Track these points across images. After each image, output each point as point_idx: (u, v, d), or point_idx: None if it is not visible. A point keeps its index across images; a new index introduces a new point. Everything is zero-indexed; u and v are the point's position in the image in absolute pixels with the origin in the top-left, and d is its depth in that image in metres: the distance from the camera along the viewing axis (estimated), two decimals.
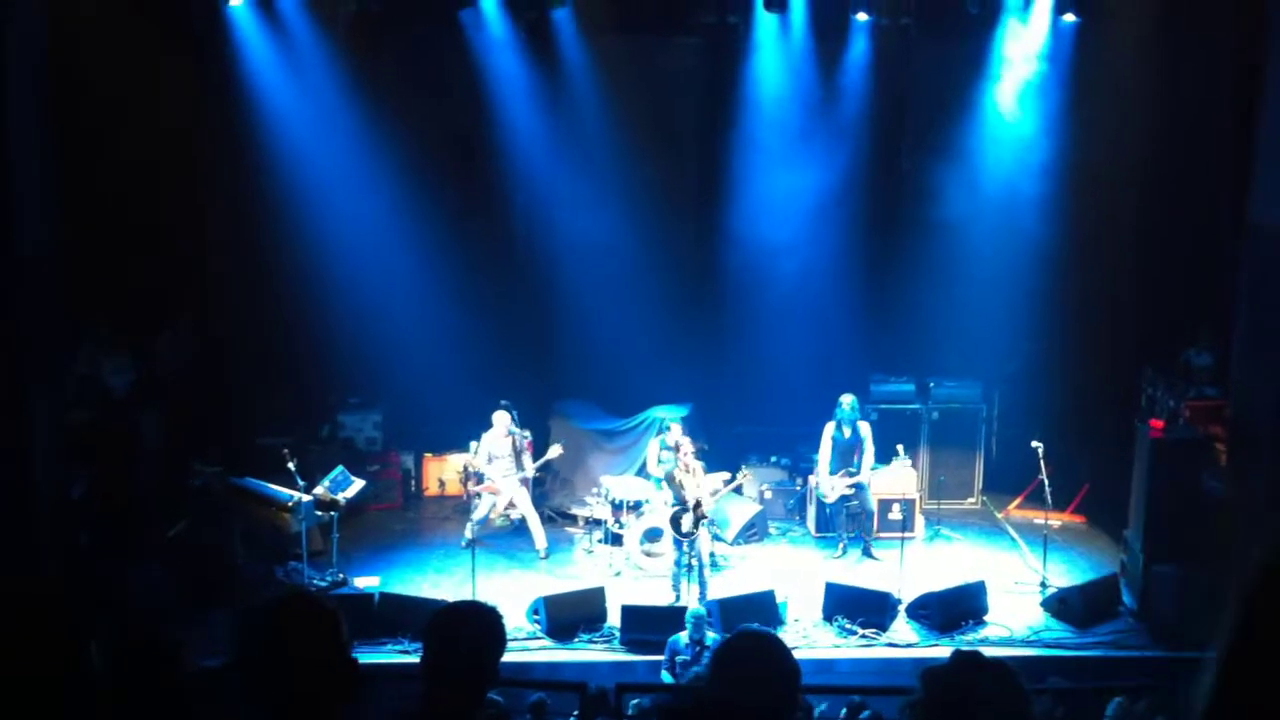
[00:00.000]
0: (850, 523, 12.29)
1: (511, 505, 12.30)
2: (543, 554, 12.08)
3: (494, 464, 12.07)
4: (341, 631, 2.70)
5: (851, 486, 12.01)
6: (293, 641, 2.63)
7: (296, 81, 13.04)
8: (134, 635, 3.30)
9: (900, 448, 12.73)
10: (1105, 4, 12.82)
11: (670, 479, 11.10)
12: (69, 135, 10.35)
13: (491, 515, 12.37)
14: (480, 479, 12.14)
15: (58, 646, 2.31)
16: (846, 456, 12.01)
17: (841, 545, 12.27)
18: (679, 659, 9.18)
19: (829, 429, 12.07)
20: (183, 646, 3.42)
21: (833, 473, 12.06)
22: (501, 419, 12.07)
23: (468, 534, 11.99)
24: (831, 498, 12.16)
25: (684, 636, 9.28)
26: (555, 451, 12.34)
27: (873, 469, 12.22)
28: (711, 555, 11.76)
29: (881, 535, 12.34)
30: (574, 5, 12.97)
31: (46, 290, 9.55)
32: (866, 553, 12.12)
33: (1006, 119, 13.49)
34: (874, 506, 12.35)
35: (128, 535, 10.75)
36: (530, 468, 12.32)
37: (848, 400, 12.00)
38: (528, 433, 13.77)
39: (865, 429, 12.06)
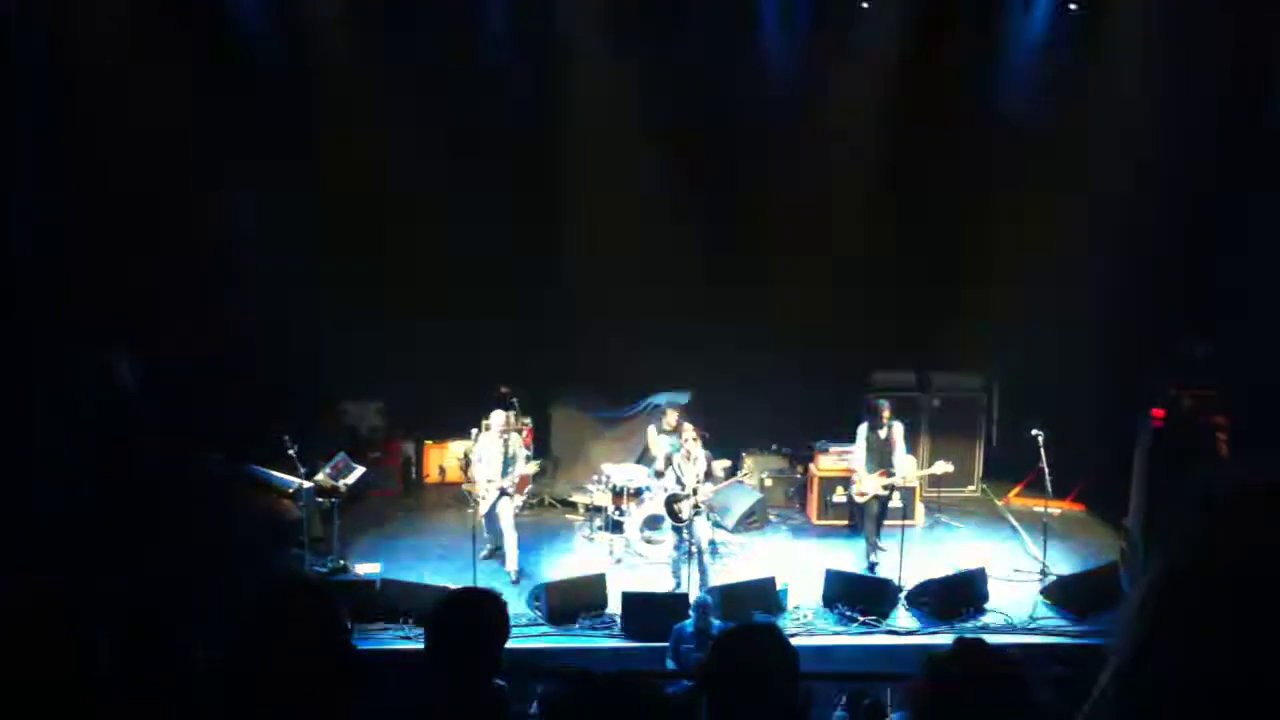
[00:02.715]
0: (867, 520, 11.79)
1: (510, 492, 11.58)
2: (514, 577, 11.17)
3: (482, 464, 11.42)
4: (340, 618, 2.70)
5: (888, 487, 11.67)
6: (292, 629, 2.64)
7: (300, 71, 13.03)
8: (140, 629, 3.32)
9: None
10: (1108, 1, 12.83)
11: (669, 463, 11.09)
12: (71, 132, 10.37)
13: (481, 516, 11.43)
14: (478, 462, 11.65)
15: (63, 643, 2.32)
16: (883, 456, 11.65)
17: (873, 547, 11.65)
18: (684, 647, 9.16)
19: (864, 428, 11.79)
20: (188, 637, 3.44)
21: (869, 472, 11.67)
22: (500, 419, 11.53)
23: (489, 545, 11.55)
24: (866, 496, 11.66)
25: (689, 624, 9.26)
26: (532, 468, 11.91)
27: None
28: (712, 543, 11.78)
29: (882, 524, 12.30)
30: None
31: (49, 288, 9.56)
32: (873, 544, 11.71)
33: (1009, 108, 13.48)
34: (918, 524, 12.09)
35: (132, 528, 10.76)
36: (521, 469, 11.51)
37: (886, 410, 11.67)
38: (527, 420, 13.81)
39: (899, 429, 11.72)
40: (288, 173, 12.84)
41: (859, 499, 11.85)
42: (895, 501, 12.44)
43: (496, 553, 11.45)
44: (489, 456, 11.39)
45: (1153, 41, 12.49)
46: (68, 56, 10.88)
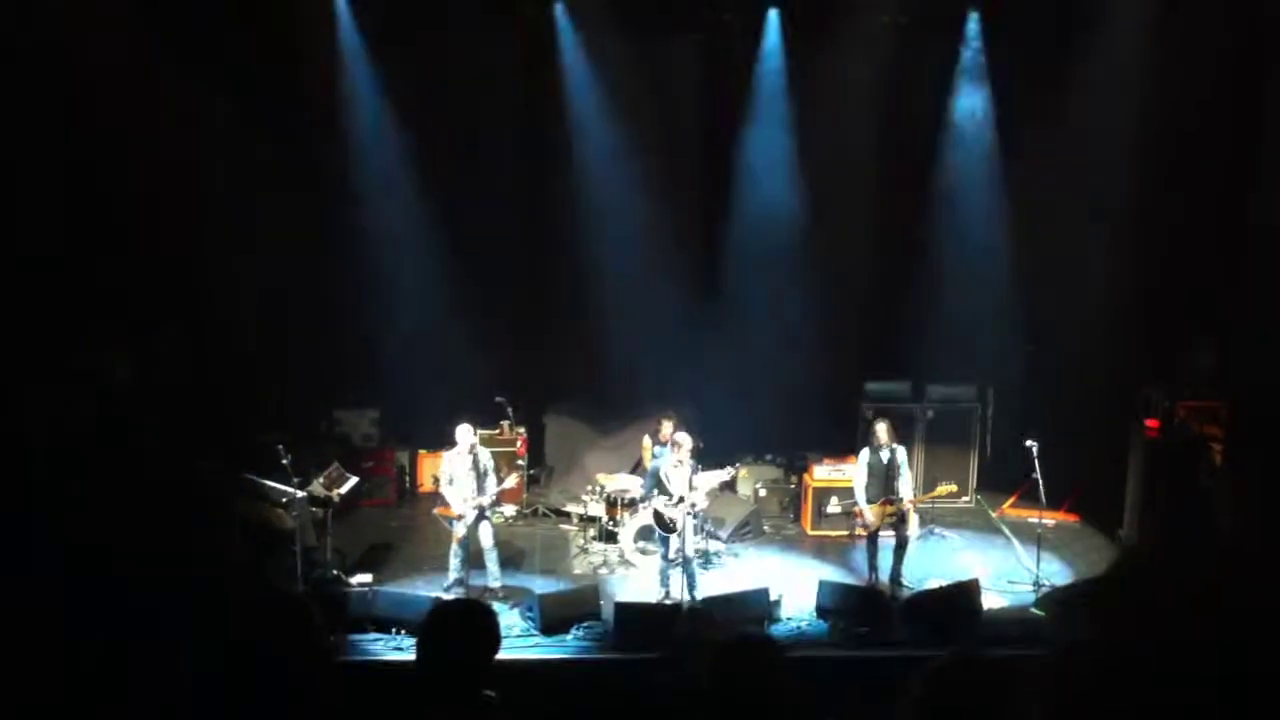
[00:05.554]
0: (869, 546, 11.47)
1: (488, 512, 11.07)
2: (500, 593, 10.85)
3: (455, 486, 10.87)
4: (319, 630, 2.69)
5: (893, 515, 11.20)
6: (270, 641, 2.64)
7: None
8: (133, 634, 3.31)
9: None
10: (1105, 4, 12.86)
11: (657, 474, 11.07)
12: (70, 135, 10.37)
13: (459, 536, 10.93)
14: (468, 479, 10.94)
15: (57, 647, 2.32)
16: (886, 483, 11.22)
17: (873, 575, 11.44)
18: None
19: (864, 455, 11.38)
20: (181, 644, 3.43)
21: (871, 500, 11.25)
22: (465, 435, 10.88)
23: (453, 573, 10.88)
24: (872, 528, 11.26)
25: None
26: (511, 481, 11.48)
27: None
28: (706, 553, 11.74)
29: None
30: (574, 2, 13.01)
31: (47, 290, 9.55)
32: (896, 580, 11.28)
33: (1006, 118, 13.53)
34: (911, 533, 11.54)
35: (127, 533, 10.73)
36: (493, 490, 10.94)
37: (884, 432, 11.22)
38: (521, 429, 13.80)
39: (902, 454, 11.34)
40: (284, 173, 12.89)
41: (863, 533, 11.52)
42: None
43: (459, 585, 10.80)
44: (460, 475, 10.86)
45: (1151, 43, 12.51)
46: (68, 55, 10.88)
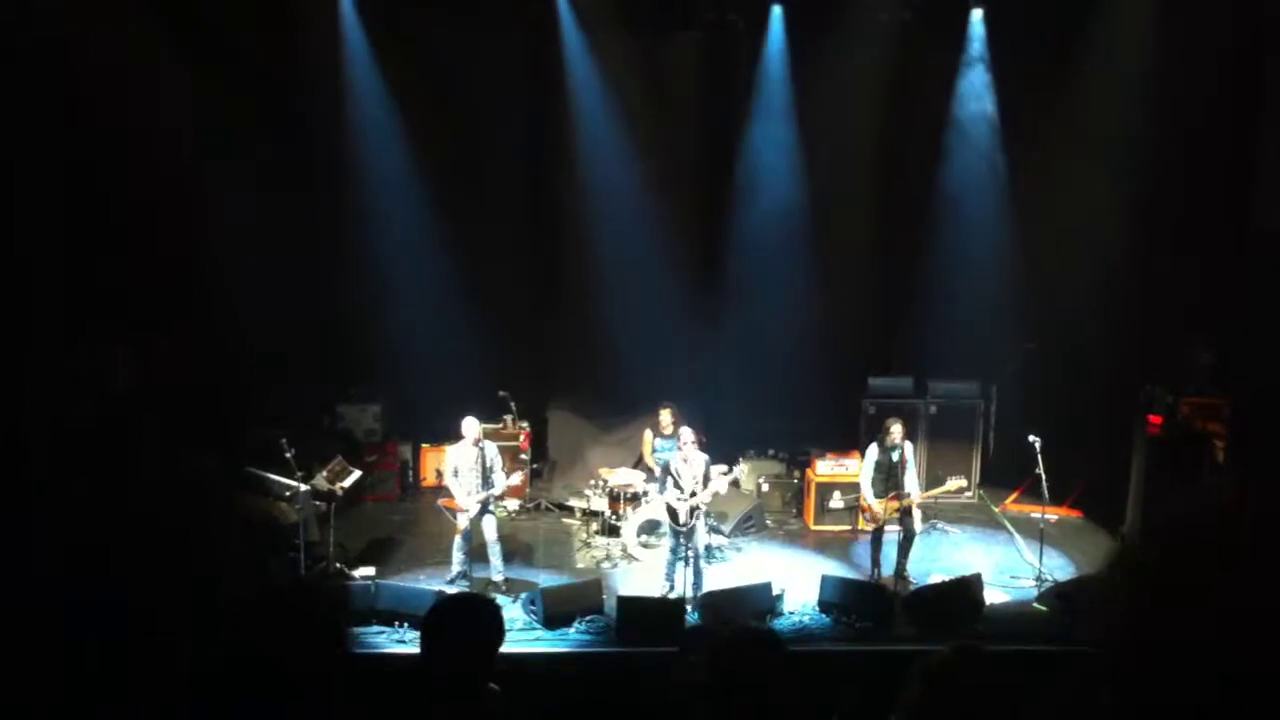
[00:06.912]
0: (873, 543, 11.49)
1: (491, 506, 11.08)
2: (503, 587, 10.91)
3: (459, 479, 10.89)
4: (339, 622, 2.69)
5: (898, 511, 11.12)
6: (290, 630, 2.63)
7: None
8: (134, 632, 3.31)
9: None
10: (1105, 5, 12.85)
11: (667, 468, 11.06)
12: (70, 135, 10.37)
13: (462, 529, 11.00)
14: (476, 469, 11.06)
15: (57, 647, 2.32)
16: (892, 479, 11.18)
17: (876, 571, 11.43)
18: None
19: (871, 450, 11.32)
20: (181, 640, 3.43)
21: (877, 496, 11.20)
22: (470, 428, 10.95)
23: (456, 566, 10.95)
24: (879, 521, 11.22)
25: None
26: (515, 479, 11.53)
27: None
28: (708, 547, 11.74)
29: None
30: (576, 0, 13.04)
31: (46, 289, 9.55)
32: (900, 575, 11.16)
33: (1008, 116, 13.50)
34: (918, 529, 11.44)
35: (128, 530, 10.73)
36: (500, 486, 11.02)
37: (897, 431, 11.10)
38: (525, 424, 13.80)
39: (910, 450, 11.27)
40: (286, 173, 12.88)
41: (866, 527, 11.58)
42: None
43: (462, 579, 10.86)
44: (464, 469, 10.88)
45: (1152, 44, 12.48)
46: (68, 55, 10.90)
